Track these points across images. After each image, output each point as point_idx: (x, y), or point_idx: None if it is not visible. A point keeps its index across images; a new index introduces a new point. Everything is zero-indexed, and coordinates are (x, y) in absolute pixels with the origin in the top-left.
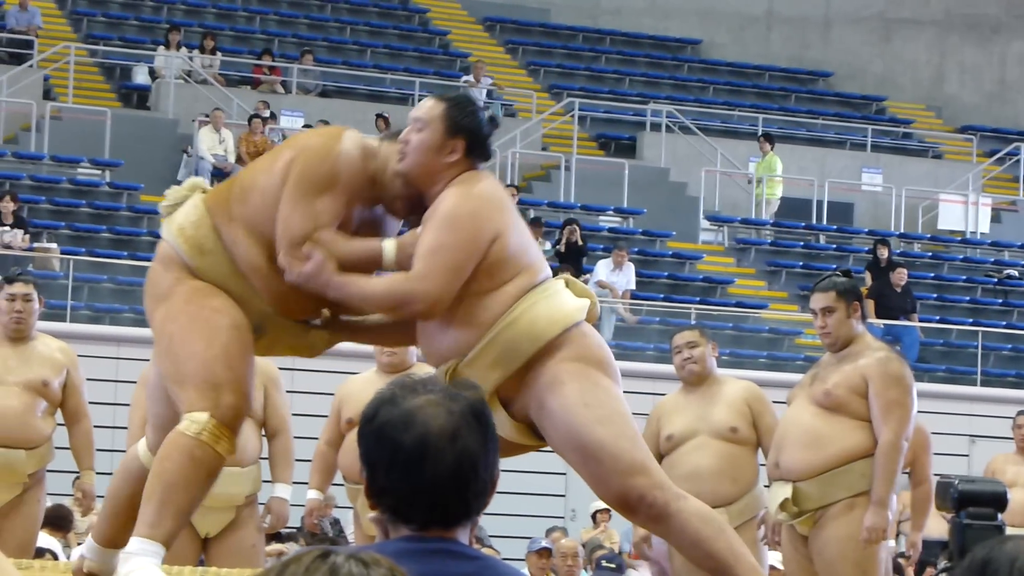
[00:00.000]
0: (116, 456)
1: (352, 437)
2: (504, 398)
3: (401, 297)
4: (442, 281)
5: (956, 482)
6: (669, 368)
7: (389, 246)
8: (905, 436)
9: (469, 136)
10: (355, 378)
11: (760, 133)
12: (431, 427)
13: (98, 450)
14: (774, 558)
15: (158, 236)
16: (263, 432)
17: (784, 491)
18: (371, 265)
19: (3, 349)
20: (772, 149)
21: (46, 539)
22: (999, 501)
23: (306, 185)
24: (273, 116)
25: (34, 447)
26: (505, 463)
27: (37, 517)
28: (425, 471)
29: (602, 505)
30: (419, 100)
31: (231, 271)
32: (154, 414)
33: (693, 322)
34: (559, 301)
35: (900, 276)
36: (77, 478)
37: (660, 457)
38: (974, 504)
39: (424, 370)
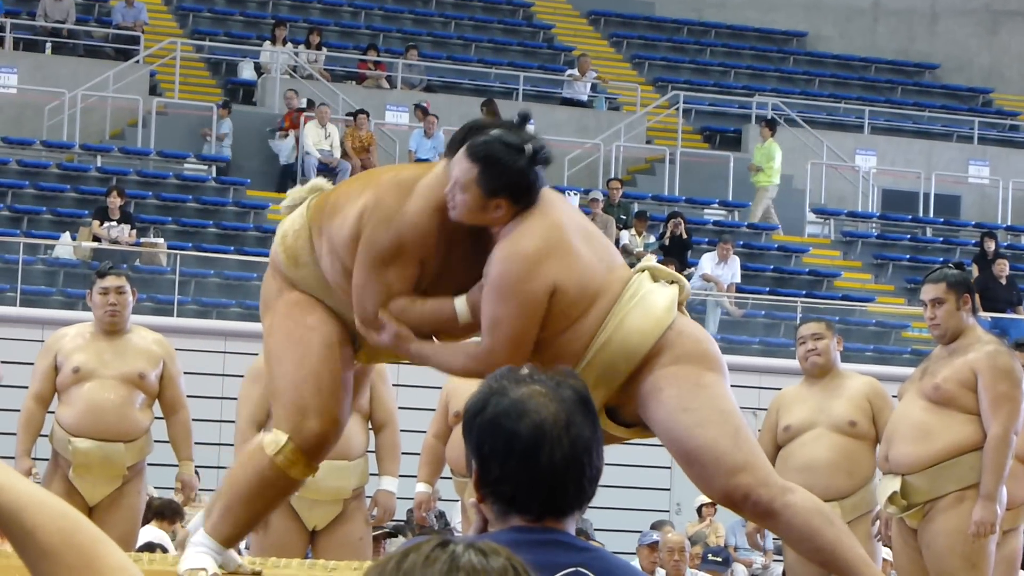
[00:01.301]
0: (223, 450)
1: (459, 430)
2: (610, 408)
3: (476, 372)
4: (509, 352)
5: None
6: (775, 362)
7: (461, 307)
8: (1015, 429)
9: (509, 193)
10: None
11: (767, 118)
12: (545, 415)
13: (205, 443)
14: (886, 552)
15: (264, 231)
16: (370, 425)
17: (893, 484)
18: (448, 325)
19: (99, 343)
20: (773, 135)
21: (155, 532)
22: None
23: (373, 256)
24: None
25: (132, 440)
26: (610, 458)
27: (138, 509)
28: (542, 459)
29: (707, 499)
30: (523, 95)
31: (325, 284)
32: None
33: (799, 315)
34: (647, 307)
35: (1002, 267)
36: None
37: (777, 448)
38: None
39: None
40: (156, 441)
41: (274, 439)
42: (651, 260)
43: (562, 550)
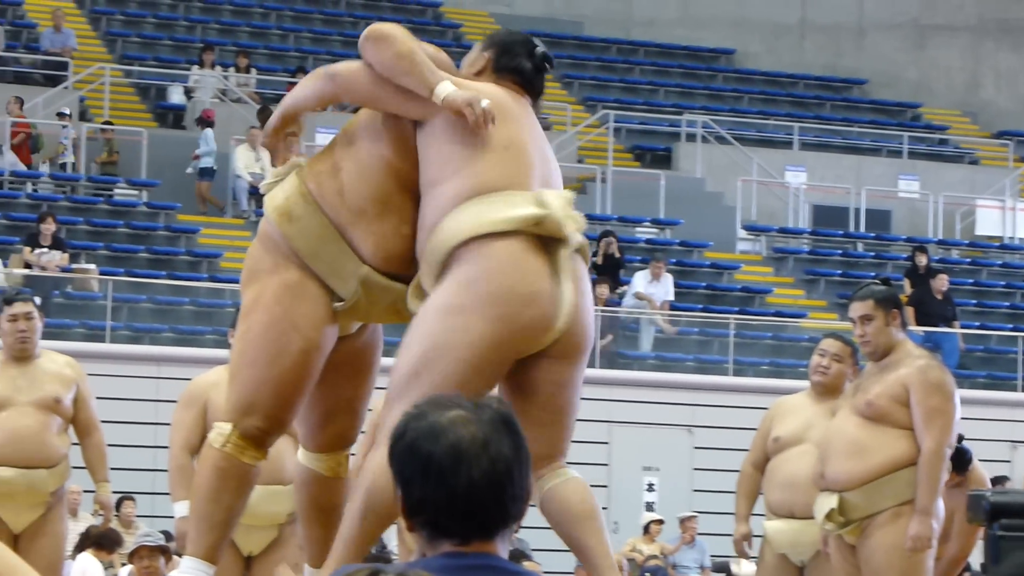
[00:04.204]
0: (158, 476)
1: None
2: None
3: (331, 70)
4: (356, 90)
5: (988, 494)
6: (709, 379)
7: (444, 89)
8: (948, 443)
9: (497, 50)
10: None
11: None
12: (462, 435)
13: (139, 470)
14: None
15: (195, 255)
16: None
17: (830, 501)
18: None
19: (10, 370)
20: None
21: (89, 560)
22: None
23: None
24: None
25: (53, 465)
26: None
27: (63, 535)
28: (460, 477)
29: (655, 516)
30: None
31: (322, 233)
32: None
33: (732, 332)
34: (481, 211)
35: (941, 283)
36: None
37: (767, 459)
38: (1006, 516)
39: None
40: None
41: (219, 431)
42: (561, 207)
43: (493, 574)
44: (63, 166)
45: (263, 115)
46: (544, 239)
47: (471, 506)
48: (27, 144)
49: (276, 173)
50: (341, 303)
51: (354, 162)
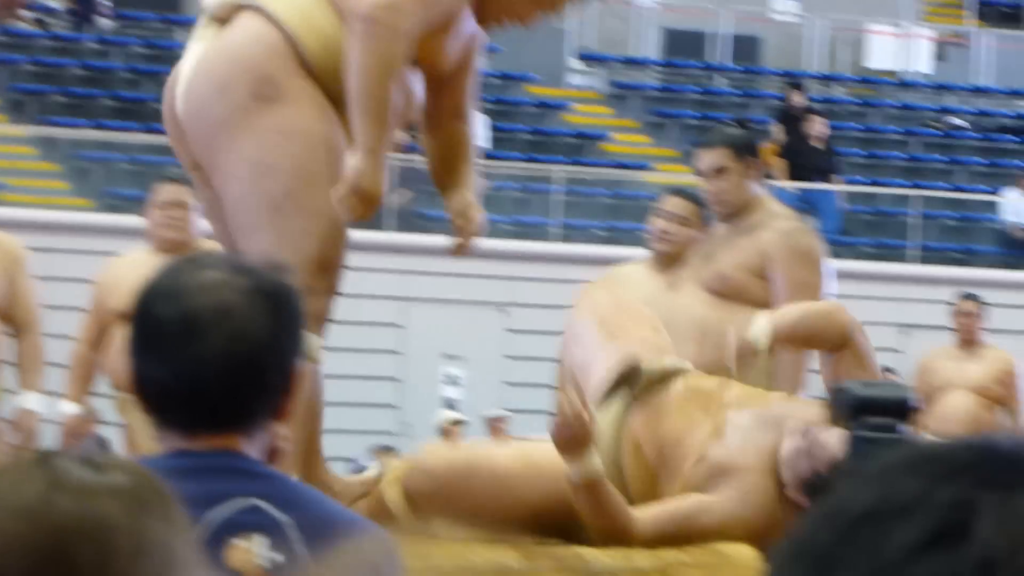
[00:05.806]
0: None
1: (122, 335)
2: None
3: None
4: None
5: (849, 386)
6: (528, 246)
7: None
8: None
9: None
10: (121, 260)
11: None
12: (201, 301)
13: None
14: None
15: None
16: (6, 328)
17: None
18: None
19: None
20: None
21: None
22: (900, 408)
23: None
24: None
25: None
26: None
27: None
28: (187, 352)
29: (457, 416)
30: None
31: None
32: None
33: (554, 187)
34: None
35: (819, 128)
36: None
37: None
38: (872, 412)
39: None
40: None
41: None
42: None
43: (236, 477)
44: None
45: None
46: None
47: (196, 390)
48: None
49: None
50: None
51: None
